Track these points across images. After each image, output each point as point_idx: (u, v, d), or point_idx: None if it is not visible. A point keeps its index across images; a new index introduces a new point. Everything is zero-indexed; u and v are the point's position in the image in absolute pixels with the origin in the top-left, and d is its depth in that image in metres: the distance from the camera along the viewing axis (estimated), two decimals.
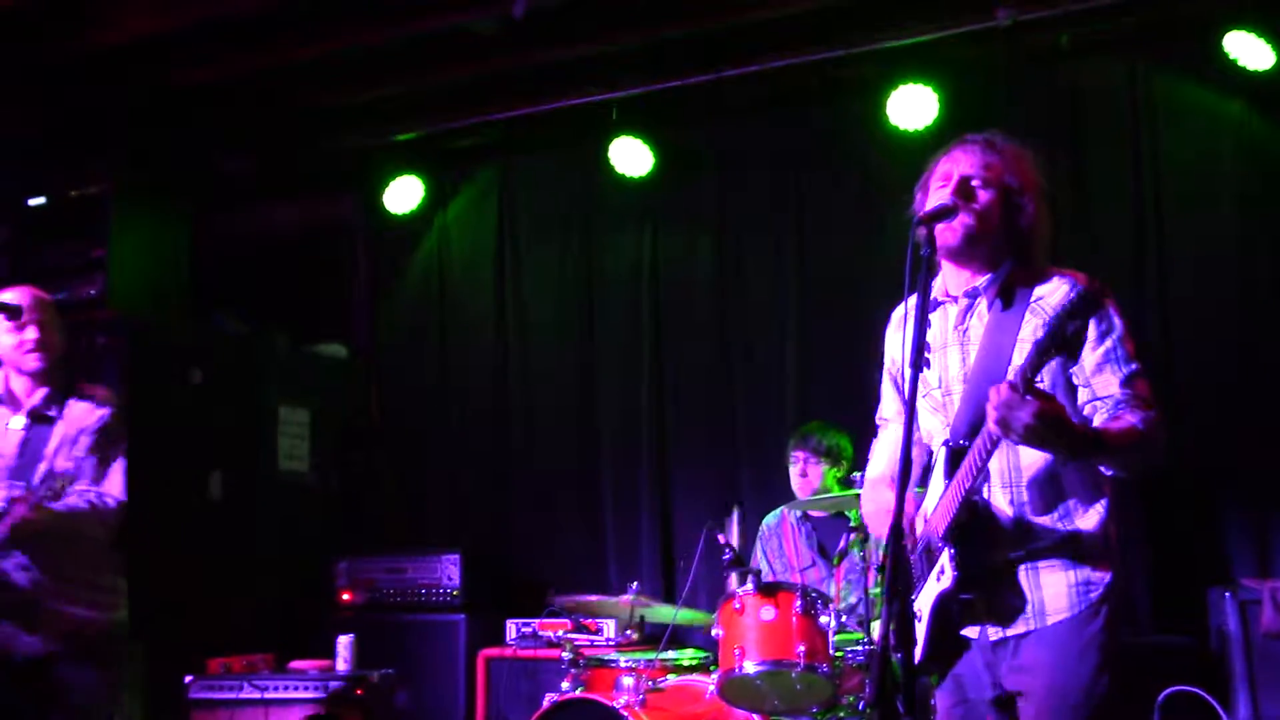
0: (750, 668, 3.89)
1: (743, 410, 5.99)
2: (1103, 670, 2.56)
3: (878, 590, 4.00)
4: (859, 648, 4.04)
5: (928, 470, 2.78)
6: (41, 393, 3.98)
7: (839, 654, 3.95)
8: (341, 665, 5.23)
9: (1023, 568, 2.61)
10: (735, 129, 6.14)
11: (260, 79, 5.87)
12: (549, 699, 4.55)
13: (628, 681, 4.35)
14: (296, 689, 5.05)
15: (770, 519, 5.15)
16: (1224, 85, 5.22)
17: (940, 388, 2.77)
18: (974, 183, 2.74)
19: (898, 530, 2.29)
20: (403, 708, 5.34)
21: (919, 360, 2.44)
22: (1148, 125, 5.36)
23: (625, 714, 4.18)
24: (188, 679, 5.05)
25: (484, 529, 6.37)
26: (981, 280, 2.76)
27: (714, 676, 4.07)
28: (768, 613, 3.93)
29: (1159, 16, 5.27)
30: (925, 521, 2.72)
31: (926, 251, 2.54)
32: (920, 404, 2.79)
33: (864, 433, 3.23)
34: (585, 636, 5.22)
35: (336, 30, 5.44)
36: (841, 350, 5.59)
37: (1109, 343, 2.61)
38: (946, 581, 2.56)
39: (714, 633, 4.10)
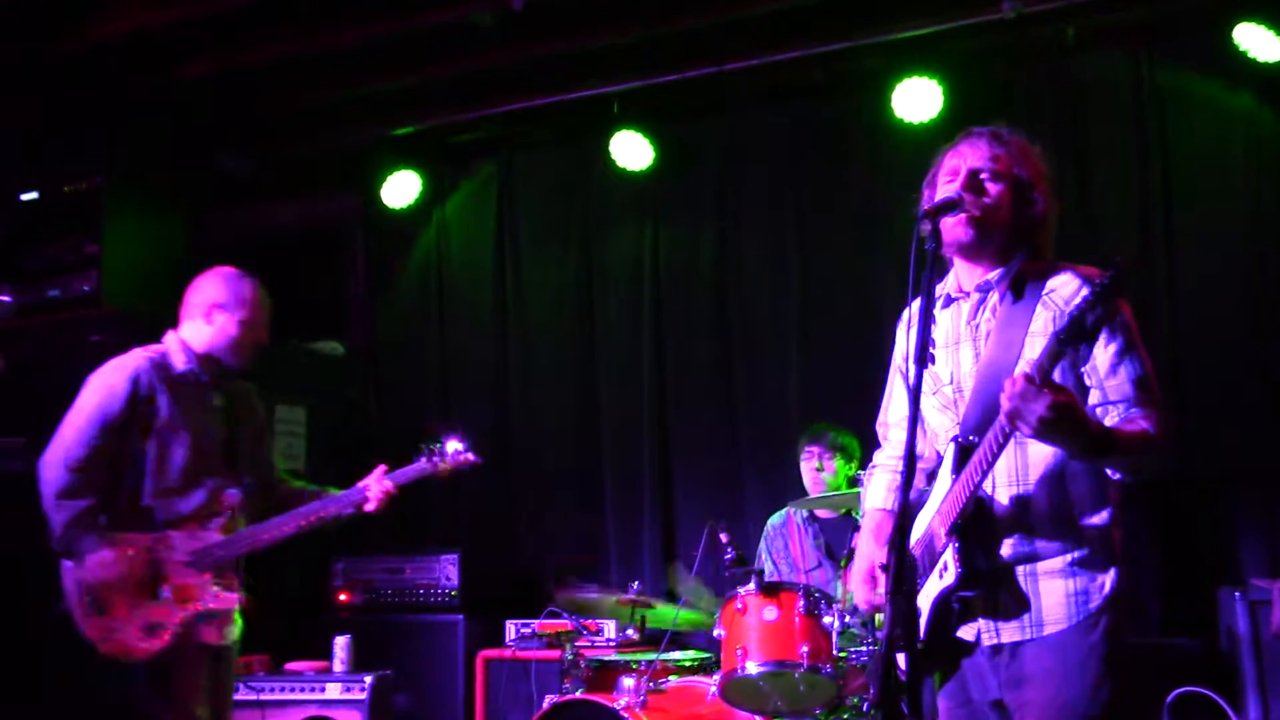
0: (753, 668, 3.89)
1: (745, 408, 5.98)
2: (1104, 680, 2.54)
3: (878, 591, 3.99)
4: (863, 648, 4.04)
5: (931, 475, 2.78)
6: None
7: (843, 654, 3.95)
8: (338, 667, 5.24)
9: (1022, 570, 2.60)
10: (738, 123, 6.14)
11: (257, 73, 5.87)
12: (549, 700, 4.56)
13: (628, 682, 4.35)
14: (293, 691, 5.06)
15: (775, 519, 5.15)
16: (1233, 77, 5.21)
17: (951, 384, 2.76)
18: (982, 175, 2.73)
19: (902, 528, 2.28)
20: (401, 710, 5.34)
21: (923, 356, 2.43)
22: (1155, 118, 5.35)
23: (626, 715, 4.18)
24: None
25: (483, 529, 6.36)
26: (993, 274, 2.75)
27: (716, 677, 4.06)
28: (770, 613, 3.92)
29: (1166, 8, 5.26)
30: (928, 524, 2.71)
31: (932, 246, 2.53)
32: (929, 402, 2.78)
33: (870, 429, 3.21)
34: (585, 637, 5.22)
35: (334, 24, 5.44)
36: (846, 346, 5.59)
37: (1121, 342, 2.59)
38: (949, 578, 2.55)
39: (716, 633, 4.09)
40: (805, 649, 3.85)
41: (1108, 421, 2.56)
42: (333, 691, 5.12)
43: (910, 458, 2.34)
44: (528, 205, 6.62)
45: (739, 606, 3.99)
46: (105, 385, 3.84)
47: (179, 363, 3.96)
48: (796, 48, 5.55)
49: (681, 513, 6.05)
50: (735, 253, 6.11)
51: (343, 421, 6.75)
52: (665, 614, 4.72)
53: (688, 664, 4.62)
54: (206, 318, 4.00)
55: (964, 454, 2.62)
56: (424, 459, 4.20)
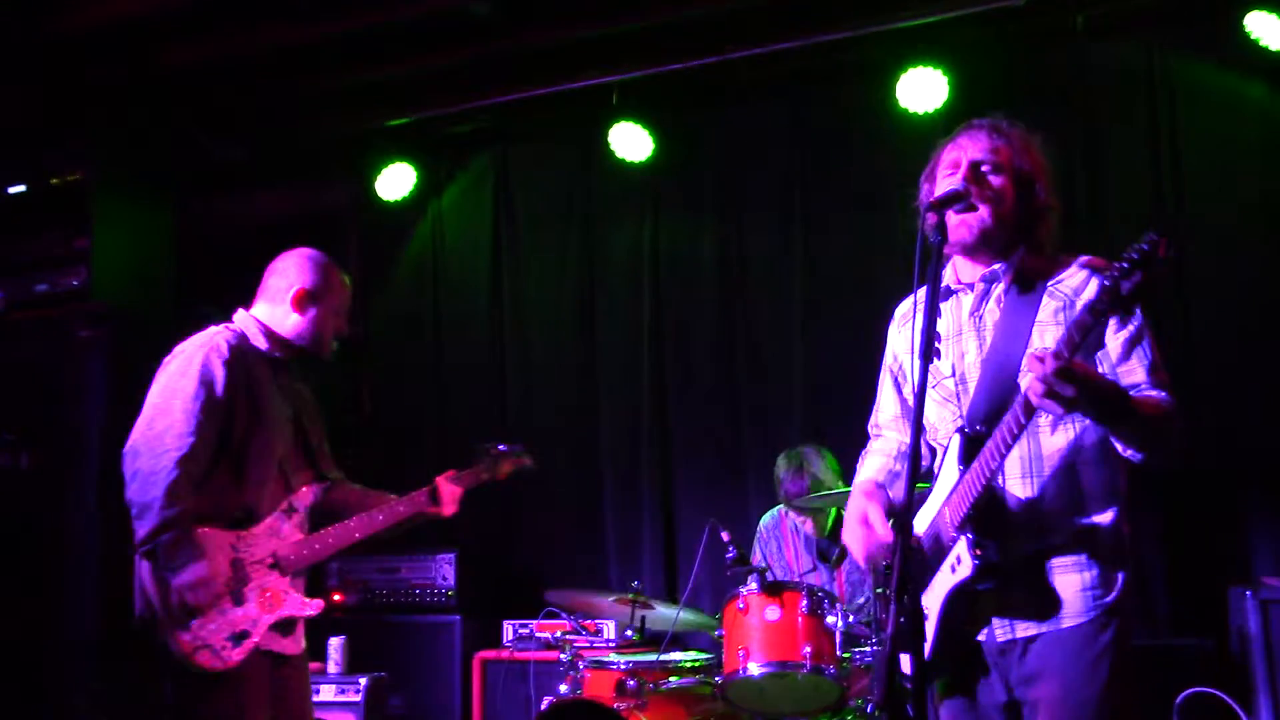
0: (755, 669, 3.89)
1: (747, 404, 5.99)
2: (1114, 684, 2.56)
3: (881, 590, 3.99)
4: (867, 649, 4.04)
5: (928, 472, 2.78)
6: None
7: (846, 655, 3.95)
8: (333, 668, 5.24)
9: (1036, 563, 2.62)
10: (740, 113, 6.13)
11: (248, 62, 5.86)
12: (547, 702, 4.56)
13: (628, 684, 4.35)
14: None
15: (767, 519, 5.14)
16: (1245, 67, 5.21)
17: (953, 376, 2.78)
18: (984, 168, 2.74)
19: (905, 525, 2.28)
20: (397, 712, 5.35)
21: (929, 351, 2.43)
22: (1166, 108, 5.35)
23: (626, 718, 4.18)
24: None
25: (480, 527, 6.32)
26: (998, 266, 2.77)
27: (718, 679, 4.06)
28: (773, 613, 3.93)
29: None
30: (932, 518, 2.71)
31: (937, 239, 2.54)
32: (928, 395, 2.78)
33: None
34: (584, 638, 5.22)
35: (326, 11, 5.43)
36: (850, 341, 5.59)
37: (1133, 329, 2.62)
38: (965, 571, 2.56)
39: (717, 634, 4.09)
40: (808, 650, 3.85)
41: None
42: (327, 693, 5.13)
43: (915, 456, 2.34)
44: (525, 198, 6.61)
45: (741, 606, 3.99)
46: (201, 365, 3.50)
47: (260, 345, 3.70)
48: (799, 36, 5.55)
49: (682, 511, 6.05)
50: (737, 246, 6.11)
51: (335, 418, 6.73)
52: (666, 614, 4.72)
53: (689, 665, 4.62)
54: (296, 305, 3.76)
55: (971, 444, 2.64)
56: (484, 463, 4.12)
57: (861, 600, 4.63)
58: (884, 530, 2.73)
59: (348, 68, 5.99)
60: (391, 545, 6.02)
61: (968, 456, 2.63)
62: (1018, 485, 2.65)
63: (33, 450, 5.38)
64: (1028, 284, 2.72)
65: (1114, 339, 2.62)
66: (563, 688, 4.58)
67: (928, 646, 2.58)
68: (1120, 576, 2.62)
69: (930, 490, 2.76)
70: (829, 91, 5.96)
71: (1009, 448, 2.50)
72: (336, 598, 5.95)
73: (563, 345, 6.44)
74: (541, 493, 6.32)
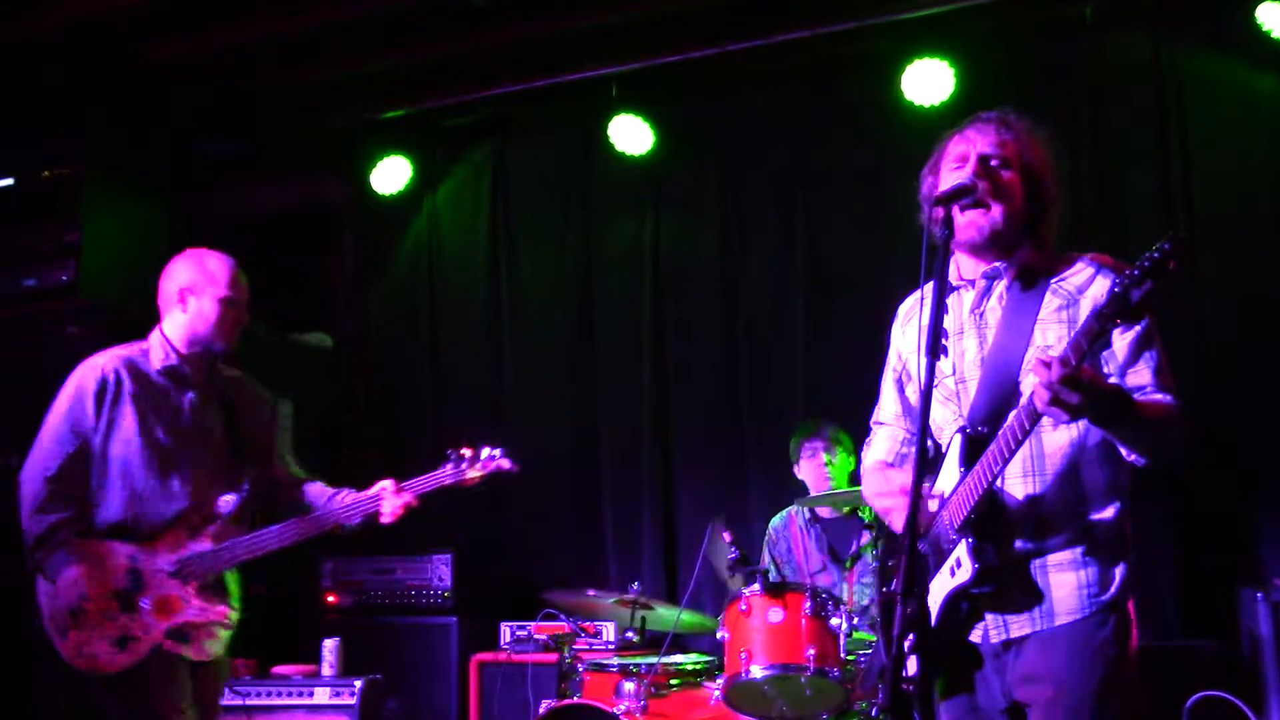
0: (757, 672, 3.89)
1: (749, 401, 5.99)
2: (1112, 682, 2.57)
3: (885, 589, 4.00)
4: (871, 651, 4.05)
5: (934, 462, 2.79)
6: None
7: (850, 657, 3.96)
8: (327, 670, 5.25)
9: (1033, 563, 2.64)
10: (742, 106, 6.14)
11: (241, 53, 5.86)
12: (545, 705, 4.57)
13: (628, 687, 4.37)
14: (280, 695, 5.07)
15: (776, 521, 5.15)
16: (1255, 59, 5.22)
17: (954, 375, 2.79)
18: (993, 162, 2.75)
19: (913, 526, 2.29)
20: (392, 715, 5.35)
21: (936, 347, 2.44)
22: (1175, 101, 5.36)
23: None
24: None
25: (477, 527, 6.36)
26: (999, 263, 2.78)
27: (719, 682, 4.07)
28: (776, 614, 3.93)
29: None
30: (935, 513, 2.72)
31: (945, 234, 2.54)
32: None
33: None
34: (583, 640, 5.23)
35: (321, 3, 5.44)
36: (854, 338, 5.59)
37: (1140, 330, 2.63)
38: (965, 574, 2.57)
39: (719, 635, 4.10)
40: (812, 652, 3.85)
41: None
42: (321, 696, 5.14)
43: (922, 455, 2.35)
44: (523, 192, 6.62)
45: (743, 608, 3.99)
46: (75, 388, 3.75)
47: (157, 360, 3.84)
48: (802, 28, 5.55)
49: (682, 512, 6.06)
50: (739, 241, 6.12)
51: (330, 416, 6.76)
52: (666, 616, 4.73)
53: (690, 668, 4.63)
54: (181, 304, 3.86)
55: (972, 445, 2.65)
56: (450, 465, 4.00)
57: (867, 602, 4.64)
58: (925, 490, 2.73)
59: (342, 59, 6.00)
60: (387, 545, 6.04)
61: (969, 458, 2.64)
62: (1019, 485, 2.66)
63: (21, 449, 5.38)
64: (1030, 281, 2.73)
65: (1121, 339, 2.62)
66: (562, 691, 4.58)
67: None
68: (1119, 573, 2.63)
69: (931, 489, 2.77)
70: (833, 84, 5.96)
71: (1012, 453, 2.51)
72: (331, 599, 5.96)
73: (561, 341, 6.44)
74: (540, 492, 6.33)
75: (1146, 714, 2.67)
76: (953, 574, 2.62)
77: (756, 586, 3.98)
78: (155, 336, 3.91)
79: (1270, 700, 4.40)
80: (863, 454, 3.16)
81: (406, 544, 6.03)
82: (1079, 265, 2.72)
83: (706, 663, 4.68)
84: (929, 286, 2.80)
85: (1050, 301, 2.69)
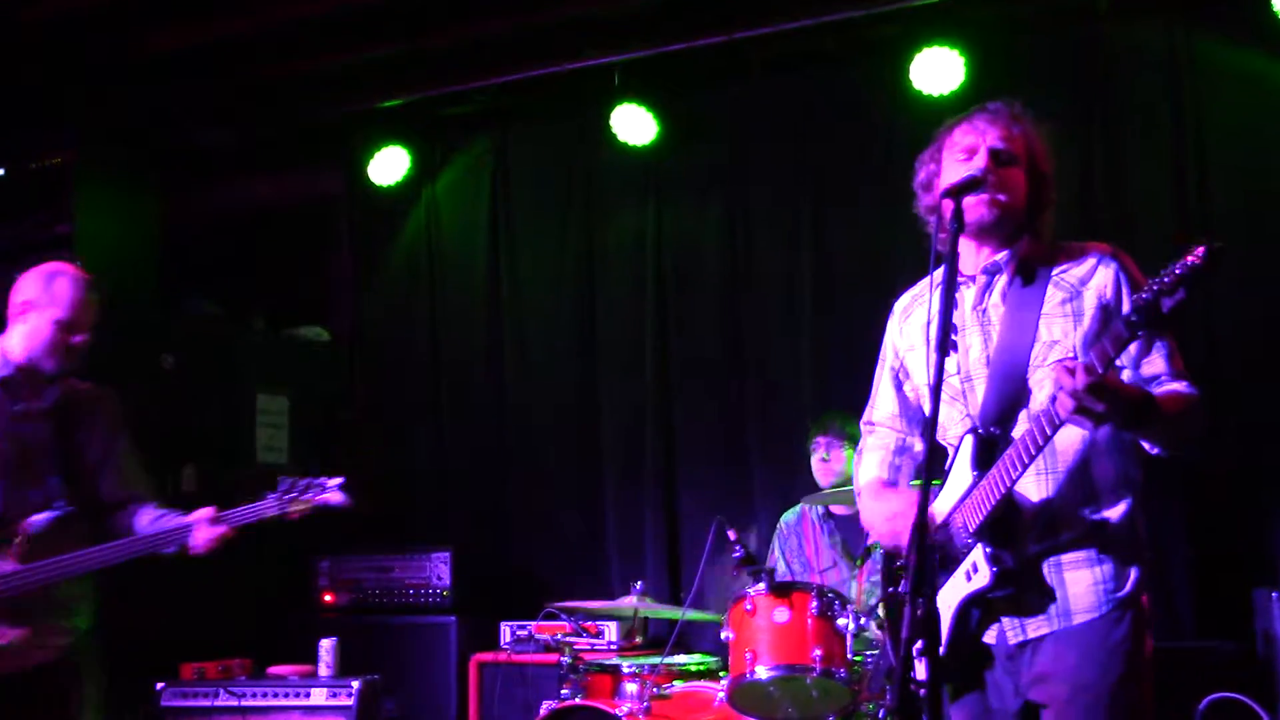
0: (763, 673, 3.90)
1: (754, 398, 5.99)
2: (1128, 682, 2.58)
3: (893, 590, 4.00)
4: (879, 651, 4.05)
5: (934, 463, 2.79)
6: None
7: (858, 658, 3.96)
8: (324, 671, 5.25)
9: (1047, 562, 2.64)
10: (747, 95, 6.12)
11: (236, 42, 5.86)
12: (546, 707, 4.57)
13: (631, 688, 4.38)
14: (276, 696, 5.07)
15: (789, 516, 5.15)
16: (1273, 48, 5.20)
17: (959, 374, 2.79)
18: (1001, 155, 2.75)
19: (922, 526, 2.29)
20: (390, 716, 5.36)
21: (945, 344, 2.44)
22: (1190, 92, 5.34)
23: None
24: (159, 686, 5.07)
25: (476, 525, 6.38)
26: (1000, 256, 2.78)
27: (724, 682, 4.07)
28: (781, 614, 3.93)
29: None
30: (945, 516, 2.72)
31: (955, 227, 2.54)
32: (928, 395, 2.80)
33: None
34: (585, 640, 5.24)
35: None
36: (862, 332, 5.55)
37: None
38: (982, 580, 2.58)
39: (724, 635, 4.10)
40: (818, 653, 3.85)
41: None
42: (318, 697, 5.14)
43: (932, 454, 2.35)
44: (523, 183, 6.61)
45: (748, 608, 3.99)
46: None
47: None
48: (809, 15, 5.55)
49: (686, 510, 6.06)
50: (744, 233, 6.11)
51: (327, 412, 6.76)
52: (669, 616, 4.73)
53: (694, 668, 4.64)
54: (20, 319, 3.76)
55: (984, 446, 2.65)
56: (273, 497, 3.90)
57: (874, 602, 4.64)
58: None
59: (338, 48, 6.00)
60: (384, 544, 6.06)
61: (982, 460, 2.65)
62: (1031, 484, 2.67)
63: None
64: (1031, 274, 2.74)
65: None
66: (563, 692, 4.59)
67: (940, 650, 2.60)
68: (1134, 571, 2.64)
69: (939, 490, 2.77)
70: (840, 72, 5.95)
71: (1032, 459, 2.52)
72: (328, 598, 5.97)
73: (562, 336, 6.44)
74: (540, 489, 6.34)
75: (1155, 714, 2.68)
76: (969, 579, 2.62)
77: (762, 586, 3.98)
78: None
79: None
80: (855, 461, 3.16)
81: (405, 542, 6.05)
82: (1079, 256, 2.73)
83: (711, 663, 4.69)
84: (925, 282, 2.81)
85: (1053, 295, 2.70)
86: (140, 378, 5.69)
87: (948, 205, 2.58)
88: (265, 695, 5.09)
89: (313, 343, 6.82)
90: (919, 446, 2.99)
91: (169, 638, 5.33)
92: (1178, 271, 2.21)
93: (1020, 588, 2.61)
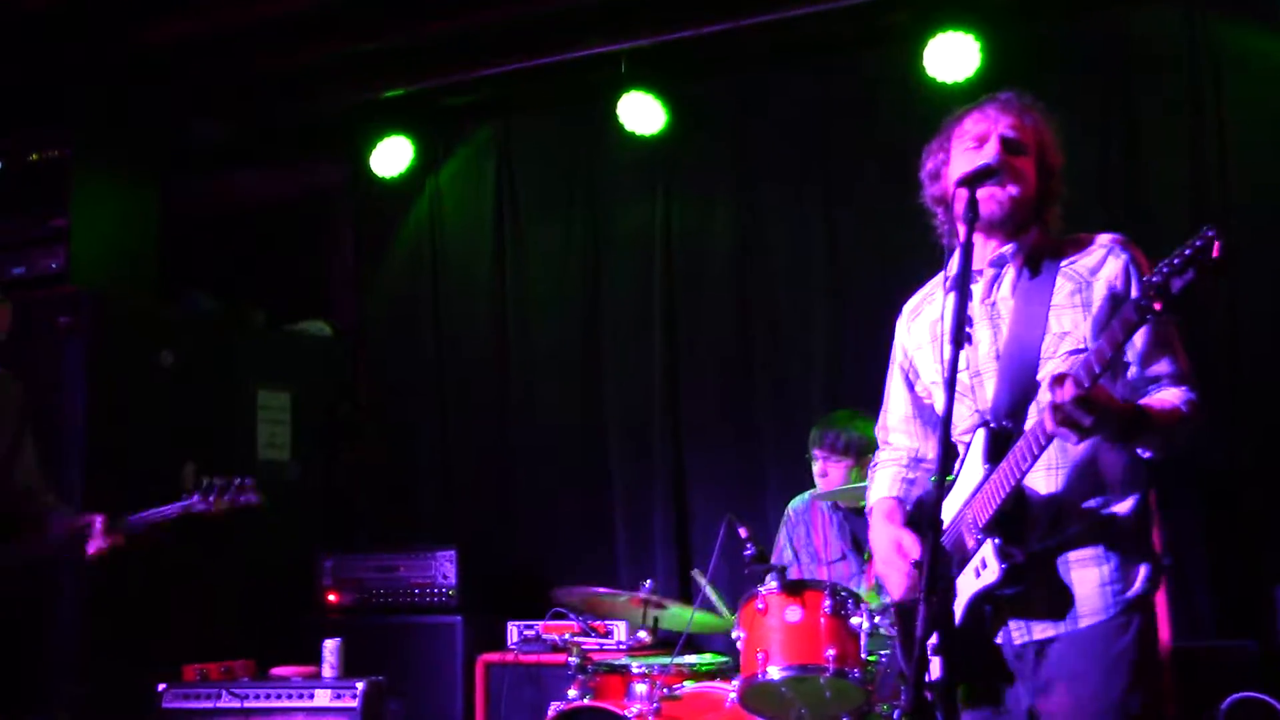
0: (775, 673, 3.89)
1: (765, 392, 5.99)
2: (1135, 689, 2.58)
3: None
4: (889, 653, 4.05)
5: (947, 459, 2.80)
6: None
7: (872, 658, 3.96)
8: (328, 672, 5.27)
9: (1055, 559, 2.66)
10: (757, 83, 6.12)
11: (235, 32, 5.86)
12: (554, 708, 4.58)
13: (640, 689, 4.38)
14: (279, 697, 5.09)
15: (797, 503, 5.14)
16: None
17: (969, 369, 2.80)
18: (1012, 144, 2.76)
19: (935, 524, 2.30)
20: (395, 717, 5.37)
21: (959, 336, 2.45)
22: (1211, 79, 5.32)
23: None
24: (161, 687, 5.09)
25: (482, 523, 6.39)
26: (1007, 249, 2.80)
27: (735, 683, 4.08)
28: (794, 613, 3.93)
29: None
30: (957, 513, 2.73)
31: (970, 216, 2.55)
32: (940, 391, 2.81)
33: None
34: (593, 640, 5.24)
35: None
36: (874, 325, 5.56)
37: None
38: (991, 576, 2.59)
39: (735, 635, 4.11)
40: (831, 652, 3.85)
41: (1139, 396, 2.63)
42: (322, 698, 5.15)
43: (946, 451, 2.36)
44: (528, 173, 6.62)
45: (760, 606, 3.99)
46: None
47: None
48: (821, 1, 5.53)
49: (696, 507, 6.06)
50: (754, 224, 6.11)
51: (329, 409, 6.78)
52: (680, 615, 4.74)
53: (704, 669, 4.64)
54: None
55: (995, 440, 2.66)
56: (197, 496, 4.19)
57: (887, 599, 4.64)
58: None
59: (339, 37, 5.99)
60: (389, 543, 6.07)
61: (993, 453, 2.66)
62: (1040, 478, 2.68)
63: None
64: (1039, 265, 2.76)
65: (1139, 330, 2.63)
66: (571, 692, 4.60)
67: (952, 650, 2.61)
68: (1142, 569, 2.65)
69: (952, 486, 2.78)
70: (852, 59, 5.95)
71: (1043, 448, 2.53)
72: (332, 598, 5.98)
73: (568, 330, 6.45)
74: (547, 486, 6.35)
75: (1172, 717, 2.69)
76: (978, 575, 2.63)
77: (773, 584, 3.98)
78: None
79: None
80: (870, 476, 3.17)
81: (410, 541, 6.06)
82: (1089, 246, 2.75)
83: (721, 664, 4.69)
84: (934, 282, 2.82)
85: (1062, 286, 2.71)
86: (138, 375, 5.71)
87: (962, 195, 2.59)
88: (268, 697, 5.11)
89: (314, 338, 6.84)
90: (931, 454, 3.00)
91: (171, 638, 5.36)
92: (1187, 252, 2.20)
93: (1028, 585, 2.62)
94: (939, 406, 2.83)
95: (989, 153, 2.73)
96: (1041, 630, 2.65)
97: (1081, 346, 2.62)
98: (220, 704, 5.05)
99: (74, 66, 5.81)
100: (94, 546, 4.04)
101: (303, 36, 5.98)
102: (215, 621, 5.71)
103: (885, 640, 4.08)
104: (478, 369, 6.61)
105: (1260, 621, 4.74)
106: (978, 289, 2.82)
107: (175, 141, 6.44)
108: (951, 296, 2.51)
